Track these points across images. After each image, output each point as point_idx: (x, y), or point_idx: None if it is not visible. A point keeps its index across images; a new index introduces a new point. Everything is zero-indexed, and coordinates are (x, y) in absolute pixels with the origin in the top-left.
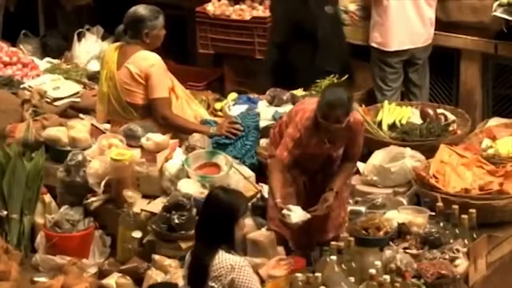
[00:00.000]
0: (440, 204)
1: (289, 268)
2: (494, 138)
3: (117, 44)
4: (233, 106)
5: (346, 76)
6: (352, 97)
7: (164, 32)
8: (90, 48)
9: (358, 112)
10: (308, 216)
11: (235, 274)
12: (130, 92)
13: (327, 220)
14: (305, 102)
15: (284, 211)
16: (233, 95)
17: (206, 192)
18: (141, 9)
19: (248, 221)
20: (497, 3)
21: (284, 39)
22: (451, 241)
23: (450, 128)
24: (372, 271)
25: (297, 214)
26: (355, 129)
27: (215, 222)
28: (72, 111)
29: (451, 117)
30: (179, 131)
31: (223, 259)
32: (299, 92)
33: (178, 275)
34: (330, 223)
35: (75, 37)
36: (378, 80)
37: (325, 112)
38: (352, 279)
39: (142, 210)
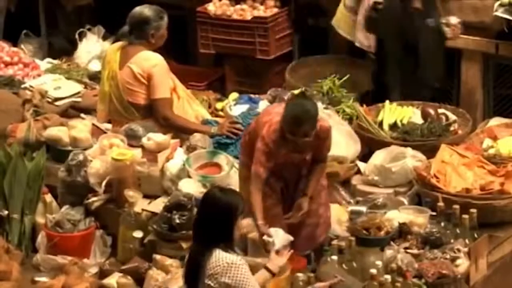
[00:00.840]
0: (441, 204)
1: (289, 253)
2: (495, 138)
3: (119, 44)
4: (234, 106)
5: (346, 76)
6: (317, 108)
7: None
8: (91, 48)
9: (324, 119)
10: (291, 238)
11: (232, 273)
12: (132, 92)
13: (317, 227)
14: (271, 112)
15: (265, 238)
16: (234, 95)
17: None
18: (146, 10)
19: (248, 221)
20: (498, 3)
21: (391, 52)
22: (452, 241)
23: (451, 128)
24: (373, 271)
25: (278, 239)
26: (323, 137)
27: (213, 221)
28: (73, 111)
29: (452, 117)
30: (180, 131)
31: (220, 258)
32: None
33: (179, 275)
34: (319, 228)
35: (76, 37)
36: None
37: (292, 128)
38: None
39: (143, 210)
